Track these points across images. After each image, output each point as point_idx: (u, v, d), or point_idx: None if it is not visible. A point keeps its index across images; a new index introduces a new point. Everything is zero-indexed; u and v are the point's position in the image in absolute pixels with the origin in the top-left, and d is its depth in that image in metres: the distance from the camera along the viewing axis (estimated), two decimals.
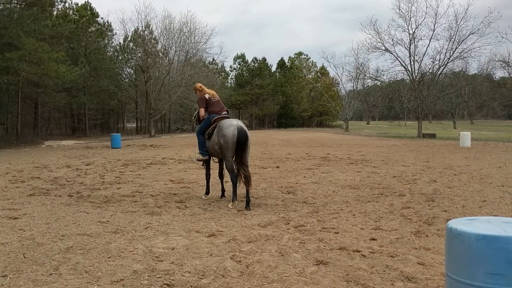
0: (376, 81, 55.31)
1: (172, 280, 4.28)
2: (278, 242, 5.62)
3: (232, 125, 8.03)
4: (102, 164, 15.55)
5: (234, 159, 8.15)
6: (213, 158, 8.86)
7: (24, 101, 36.86)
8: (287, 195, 9.16)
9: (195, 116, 9.28)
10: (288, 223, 6.64)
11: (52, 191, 9.73)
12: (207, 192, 9.03)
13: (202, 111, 8.69)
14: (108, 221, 6.78)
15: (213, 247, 5.36)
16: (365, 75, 55.43)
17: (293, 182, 10.98)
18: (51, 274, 4.45)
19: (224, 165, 8.45)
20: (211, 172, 9.19)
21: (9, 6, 27.37)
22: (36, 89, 35.01)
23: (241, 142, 7.92)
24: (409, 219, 6.96)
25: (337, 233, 6.08)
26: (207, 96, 8.70)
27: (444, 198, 8.75)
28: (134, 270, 4.54)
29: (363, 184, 10.60)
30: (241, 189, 8.22)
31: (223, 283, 4.23)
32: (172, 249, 5.27)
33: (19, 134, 34.60)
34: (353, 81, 61.94)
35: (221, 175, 9.10)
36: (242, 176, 7.98)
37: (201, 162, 9.04)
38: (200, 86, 8.97)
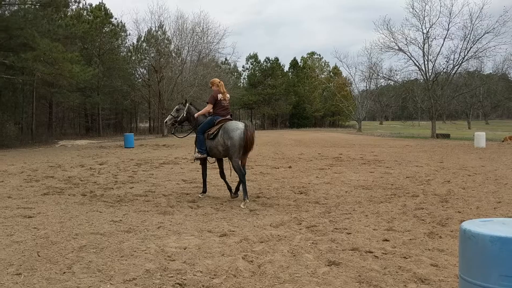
0: (389, 81, 54.89)
1: (184, 279, 4.29)
2: (290, 242, 5.61)
3: (238, 128, 8.32)
4: (115, 164, 15.66)
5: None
6: (209, 158, 8.96)
7: (39, 101, 37.33)
8: (299, 195, 9.14)
9: (170, 119, 9.29)
10: (300, 224, 6.62)
11: (66, 190, 9.83)
12: (204, 191, 9.14)
13: (209, 107, 8.73)
14: (121, 220, 6.83)
15: (225, 247, 5.36)
16: (378, 75, 55.16)
17: (305, 182, 10.95)
18: (64, 273, 4.49)
19: (231, 165, 8.54)
20: (208, 172, 9.38)
21: (23, 7, 27.67)
22: (51, 89, 35.40)
23: (247, 145, 8.34)
24: (423, 220, 6.90)
25: (350, 233, 6.04)
26: (219, 96, 8.71)
27: (458, 199, 8.66)
28: (147, 269, 4.56)
29: (376, 184, 10.54)
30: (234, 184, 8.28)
31: (235, 283, 4.23)
32: (184, 249, 5.29)
33: (34, 133, 35.03)
34: (366, 81, 61.73)
35: (222, 175, 9.16)
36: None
37: (199, 161, 9.11)
38: (220, 82, 8.95)
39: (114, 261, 4.83)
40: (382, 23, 61.03)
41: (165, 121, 9.43)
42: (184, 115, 9.07)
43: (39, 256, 5.02)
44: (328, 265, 4.74)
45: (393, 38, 42.34)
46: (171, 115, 9.25)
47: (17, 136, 30.86)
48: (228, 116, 8.78)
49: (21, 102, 37.38)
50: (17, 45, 27.22)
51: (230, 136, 8.24)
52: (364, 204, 8.12)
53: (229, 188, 9.01)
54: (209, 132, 8.55)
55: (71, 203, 8.33)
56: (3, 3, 26.67)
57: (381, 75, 54.58)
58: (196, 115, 8.90)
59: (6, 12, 28.26)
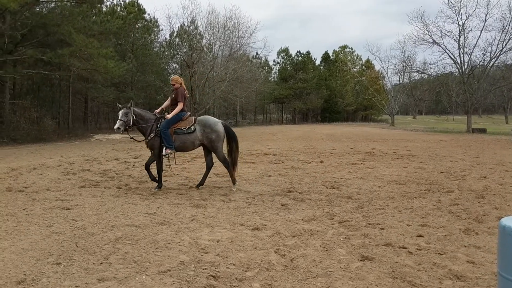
0: (423, 75, 54.02)
1: (218, 272, 4.35)
2: (322, 237, 5.60)
3: (217, 121, 9.32)
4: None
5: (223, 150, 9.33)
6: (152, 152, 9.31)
7: (74, 96, 38.23)
8: (331, 190, 9.10)
9: (122, 125, 8.99)
10: (333, 218, 6.60)
11: (101, 183, 10.06)
12: (160, 186, 9.23)
13: (181, 106, 9.16)
14: (155, 212, 6.95)
15: (257, 241, 5.40)
16: (411, 68, 54.30)
17: (337, 177, 10.89)
18: (101, 263, 4.61)
19: (217, 157, 9.24)
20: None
21: (60, 4, 28.34)
22: (86, 84, 36.19)
23: (231, 133, 9.30)
24: (458, 216, 6.77)
25: (383, 229, 5.99)
26: (186, 93, 9.36)
27: (495, 195, 8.45)
28: (181, 261, 4.64)
29: (409, 179, 10.39)
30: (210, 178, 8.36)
31: (268, 276, 4.26)
32: (217, 242, 5.35)
33: (70, 128, 35.93)
34: (399, 74, 60.82)
35: (148, 166, 9.36)
36: (235, 168, 9.42)
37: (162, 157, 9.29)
38: (182, 79, 9.46)
39: (149, 253, 4.93)
40: (416, 15, 60.05)
41: (116, 127, 8.99)
42: (134, 117, 9.11)
43: (77, 246, 5.17)
44: (361, 260, 4.72)
45: (428, 31, 41.67)
46: (121, 120, 8.99)
47: (54, 130, 31.71)
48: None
49: (58, 97, 38.40)
50: (54, 42, 27.99)
51: (215, 130, 9.09)
52: (398, 200, 8.02)
53: (153, 179, 9.30)
54: (183, 127, 9.05)
55: (107, 195, 8.53)
56: (41, 0, 27.38)
57: (414, 68, 53.74)
58: (170, 115, 9.03)
59: (44, 10, 29.01)
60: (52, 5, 28.95)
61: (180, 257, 4.78)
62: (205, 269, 4.43)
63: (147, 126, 9.11)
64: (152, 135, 9.03)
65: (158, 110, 9.48)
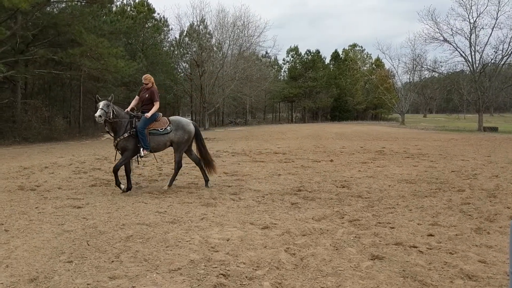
0: (433, 73, 53.71)
1: (228, 270, 4.36)
2: (332, 236, 5.59)
3: (189, 122, 9.41)
4: (159, 156, 15.95)
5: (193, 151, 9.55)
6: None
7: (85, 96, 38.44)
8: (341, 189, 9.08)
9: (103, 114, 8.40)
10: (343, 217, 6.58)
11: (112, 181, 10.10)
12: (130, 187, 8.90)
13: (158, 105, 9.02)
14: (165, 211, 6.99)
15: (267, 239, 5.41)
16: (422, 67, 53.97)
17: (347, 176, 10.86)
18: (112, 261, 4.64)
19: (176, 156, 9.24)
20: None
21: (71, 4, 28.55)
22: (97, 83, 36.40)
23: (199, 134, 9.44)
24: (469, 215, 6.72)
25: (393, 228, 5.97)
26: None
27: (507, 194, 8.38)
28: (191, 260, 4.66)
29: (420, 178, 10.33)
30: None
31: (278, 275, 4.27)
32: (227, 240, 5.37)
33: (81, 127, 36.16)
34: (409, 73, 60.48)
35: (129, 169, 9.07)
36: (212, 163, 9.62)
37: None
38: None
39: (159, 251, 4.96)
40: (427, 13, 59.46)
41: (98, 115, 8.29)
42: (114, 112, 8.66)
43: (88, 245, 5.21)
44: (372, 259, 4.71)
45: (438, 29, 41.39)
46: (103, 109, 8.38)
47: (65, 130, 31.94)
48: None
49: (69, 96, 38.66)
50: (65, 41, 28.19)
51: (187, 130, 9.19)
52: (408, 199, 7.99)
53: (119, 184, 8.84)
54: (159, 128, 8.94)
55: (117, 194, 8.59)
56: (52, 1, 27.59)
57: (425, 66, 53.41)
58: (149, 114, 8.75)
59: (55, 10, 29.25)
60: (63, 5, 29.18)
61: (191, 255, 4.80)
62: (215, 267, 4.45)
63: (121, 124, 8.70)
64: (126, 134, 8.64)
65: (128, 109, 9.02)
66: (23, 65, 28.96)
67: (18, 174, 11.36)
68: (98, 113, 8.32)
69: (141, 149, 8.73)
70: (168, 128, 9.04)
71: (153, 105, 8.91)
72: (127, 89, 42.75)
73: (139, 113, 9.00)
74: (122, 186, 8.73)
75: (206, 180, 9.52)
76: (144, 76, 9.18)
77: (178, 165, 9.29)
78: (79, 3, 28.71)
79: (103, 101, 8.50)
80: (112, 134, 8.87)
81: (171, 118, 9.36)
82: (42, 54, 27.68)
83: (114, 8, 38.40)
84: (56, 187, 9.44)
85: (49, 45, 29.17)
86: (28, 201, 7.90)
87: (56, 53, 27.57)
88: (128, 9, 46.29)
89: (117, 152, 9.02)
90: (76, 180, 10.44)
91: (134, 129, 8.70)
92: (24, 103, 29.79)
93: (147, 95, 9.00)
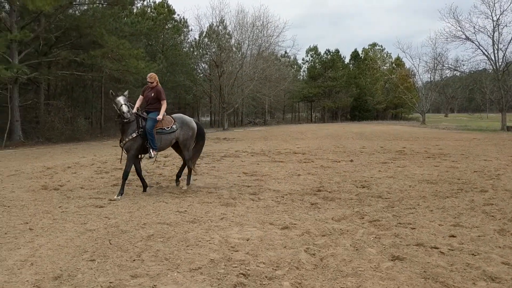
0: (455, 72, 52.77)
1: (248, 270, 4.39)
2: (352, 236, 5.58)
3: (191, 119, 9.43)
4: (179, 156, 16.04)
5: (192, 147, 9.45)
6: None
7: (107, 96, 38.83)
8: (361, 189, 9.03)
9: (129, 111, 8.29)
10: (363, 218, 6.56)
11: (133, 181, 10.24)
12: (146, 186, 8.98)
13: (166, 104, 8.96)
14: (185, 211, 7.05)
15: (287, 239, 5.42)
16: (443, 66, 53.10)
17: (367, 176, 10.79)
18: (134, 260, 4.71)
19: (184, 153, 9.29)
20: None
21: (92, 6, 28.97)
22: (118, 85, 36.82)
23: (202, 131, 9.59)
24: (492, 216, 6.63)
25: (414, 228, 5.92)
26: None
27: None
28: (211, 259, 4.70)
29: (441, 179, 10.21)
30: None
31: (298, 275, 4.27)
32: (247, 240, 5.39)
33: (102, 127, 36.65)
34: (430, 72, 59.57)
35: (140, 171, 9.06)
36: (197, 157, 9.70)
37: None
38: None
39: (180, 250, 5.01)
40: (448, 11, 58.81)
41: (126, 110, 8.16)
42: (135, 110, 8.58)
43: (110, 244, 5.29)
44: (392, 260, 4.68)
45: (460, 27, 40.72)
46: (126, 105, 8.26)
47: (87, 130, 32.42)
48: None
49: (91, 97, 39.22)
50: (87, 43, 28.64)
51: (191, 127, 9.23)
52: (429, 199, 7.90)
53: (146, 186, 9.00)
54: (166, 127, 8.87)
55: (138, 193, 8.69)
56: (74, 3, 28.03)
57: (446, 65, 52.53)
58: (160, 116, 8.70)
59: (77, 12, 29.72)
60: (85, 7, 29.63)
61: (211, 255, 4.84)
62: (235, 267, 4.47)
63: (131, 124, 8.47)
64: (134, 135, 8.44)
65: (134, 110, 8.66)
66: (46, 67, 29.55)
67: (41, 174, 11.57)
68: (125, 108, 8.15)
69: (151, 150, 8.59)
70: (174, 126, 8.98)
71: (159, 104, 8.84)
72: None
73: (144, 113, 8.81)
74: (119, 197, 8.22)
75: (178, 176, 9.60)
76: (149, 75, 9.06)
77: (189, 162, 9.37)
78: (100, 5, 29.12)
79: (122, 97, 8.31)
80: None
81: (174, 116, 9.32)
82: (64, 56, 28.19)
83: (134, 10, 38.78)
84: (78, 186, 9.60)
85: (71, 47, 29.68)
86: (51, 200, 8.05)
87: (78, 54, 28.02)
88: (149, 11, 46.75)
89: (123, 152, 8.82)
90: (98, 179, 10.59)
91: (142, 129, 8.52)
92: (47, 104, 30.37)
93: (152, 94, 8.87)
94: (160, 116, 8.67)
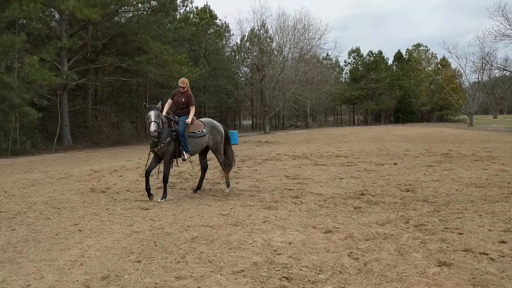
0: (505, 72, 50.99)
1: (291, 273, 4.38)
2: (397, 241, 5.47)
3: (219, 123, 9.56)
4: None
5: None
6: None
7: (151, 101, 39.68)
8: (405, 193, 8.85)
9: (159, 122, 8.23)
10: (408, 222, 6.42)
11: (177, 184, 10.45)
12: (165, 196, 8.63)
13: (194, 110, 9.00)
14: (228, 214, 7.11)
15: (329, 243, 5.38)
16: (492, 66, 51.34)
17: (412, 179, 10.56)
18: (178, 262, 4.79)
19: (218, 157, 9.48)
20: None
21: (137, 13, 29.73)
22: (161, 89, 37.57)
23: (228, 136, 9.65)
24: None
25: (462, 234, 5.75)
26: None
27: None
28: (254, 262, 4.72)
29: (490, 182, 9.86)
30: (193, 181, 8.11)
31: (341, 280, 4.24)
32: (290, 244, 5.39)
33: (147, 131, 37.45)
34: (478, 72, 57.68)
35: (149, 173, 8.76)
36: (230, 164, 9.67)
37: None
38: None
39: (223, 253, 5.06)
40: (497, 9, 56.77)
41: (153, 130, 8.03)
42: (163, 120, 8.49)
43: (155, 245, 5.41)
44: (439, 266, 4.57)
45: (510, 25, 39.20)
46: (156, 122, 8.14)
47: (132, 134, 33.21)
48: None
49: (136, 102, 40.15)
50: (132, 49, 29.43)
51: (220, 131, 9.35)
52: (477, 203, 7.65)
53: (149, 189, 8.67)
54: (196, 131, 8.87)
55: (182, 196, 8.85)
56: (119, 11, 28.86)
57: (495, 65, 50.78)
58: (189, 120, 8.71)
59: (122, 19, 30.58)
60: (130, 14, 30.43)
61: (253, 258, 4.87)
62: (278, 270, 4.48)
63: (165, 130, 8.49)
64: (168, 139, 8.46)
65: (164, 113, 8.68)
66: (94, 73, 30.55)
67: (89, 177, 11.96)
68: (153, 128, 8.03)
69: (184, 153, 8.63)
70: (204, 130, 9.04)
71: (189, 109, 8.90)
72: None
73: (175, 116, 8.86)
74: (162, 200, 8.42)
75: (198, 188, 9.47)
76: (181, 80, 9.05)
77: (225, 165, 9.53)
78: (145, 12, 29.84)
79: (153, 112, 8.17)
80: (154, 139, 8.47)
81: (203, 120, 9.38)
82: (111, 62, 29.07)
83: (178, 16, 39.44)
84: (124, 189, 9.87)
85: (117, 54, 30.57)
86: (99, 202, 8.31)
87: (124, 61, 28.83)
88: (191, 16, 47.42)
89: (152, 156, 8.78)
90: (143, 182, 10.78)
91: (175, 133, 8.58)
92: (94, 109, 31.39)
93: (183, 99, 8.89)
94: (189, 120, 8.72)
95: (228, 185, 9.50)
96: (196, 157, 9.82)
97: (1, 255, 5.17)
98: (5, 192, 9.81)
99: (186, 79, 9.14)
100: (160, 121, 8.28)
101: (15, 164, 16.69)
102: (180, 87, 8.98)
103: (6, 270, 4.66)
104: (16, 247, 5.46)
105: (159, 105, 8.47)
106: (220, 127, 9.47)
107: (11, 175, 12.93)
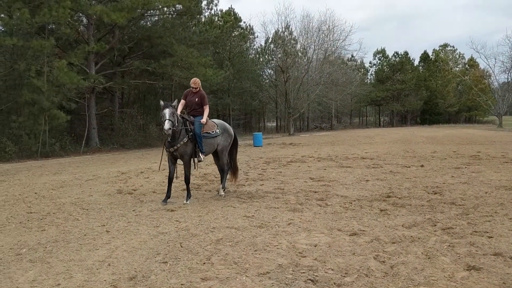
0: None
1: (316, 276, 4.37)
2: (424, 244, 5.40)
3: (230, 126, 9.58)
4: (245, 162, 16.29)
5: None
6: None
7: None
8: (433, 195, 8.71)
9: (174, 120, 8.13)
10: (435, 225, 6.32)
11: (202, 186, 10.52)
12: (168, 197, 8.59)
13: (208, 109, 8.94)
14: (253, 215, 7.13)
15: (355, 246, 5.34)
16: None
17: (439, 181, 10.39)
18: (204, 263, 4.83)
19: (221, 159, 9.34)
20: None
21: (162, 17, 30.10)
22: None
23: (236, 138, 9.63)
24: None
25: (491, 237, 5.63)
26: None
27: None
28: (279, 264, 4.72)
29: None
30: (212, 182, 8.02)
31: (367, 283, 4.20)
32: (315, 246, 5.37)
33: (161, 131, 37.85)
34: (507, 72, 56.50)
35: (172, 177, 8.81)
36: (237, 172, 9.83)
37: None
38: None
39: (248, 255, 5.07)
40: None
41: (167, 128, 7.87)
42: (178, 119, 8.37)
43: (181, 246, 5.46)
44: (468, 270, 4.49)
45: None
46: (170, 120, 7.98)
47: (158, 136, 33.52)
48: None
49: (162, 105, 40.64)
50: (157, 53, 29.80)
51: (230, 133, 9.37)
52: (508, 206, 7.48)
53: (169, 196, 8.62)
54: (210, 131, 8.84)
55: (207, 198, 8.91)
56: (145, 15, 29.26)
57: None
58: (204, 120, 8.67)
59: (148, 23, 31.01)
60: (155, 18, 30.83)
61: (279, 260, 4.86)
62: (303, 273, 4.47)
63: (180, 130, 8.41)
64: (185, 139, 8.39)
65: (179, 112, 8.55)
66: (120, 77, 31.05)
67: (116, 179, 12.15)
68: (167, 126, 7.88)
69: (200, 153, 8.65)
70: (217, 130, 9.03)
71: (202, 109, 8.88)
72: (215, 96, 44.10)
73: (191, 116, 8.81)
74: (188, 201, 8.48)
75: (222, 188, 9.39)
76: (192, 80, 8.96)
77: (227, 168, 9.49)
78: (170, 16, 30.18)
79: (168, 110, 8.05)
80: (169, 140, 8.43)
81: (215, 121, 9.36)
82: (137, 66, 29.48)
83: (202, 19, 39.75)
84: (151, 191, 10.00)
85: (143, 57, 31.00)
86: (126, 204, 8.44)
87: (150, 64, 29.23)
88: (216, 19, 47.72)
89: (167, 157, 8.78)
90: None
91: (192, 133, 8.52)
92: (121, 112, 31.88)
93: (196, 99, 8.85)
94: (203, 120, 8.68)
95: (224, 189, 9.36)
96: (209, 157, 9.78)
97: (32, 255, 5.30)
98: (35, 193, 10.05)
99: (198, 79, 9.07)
100: (175, 119, 8.15)
101: (45, 166, 17.07)
102: (192, 87, 8.93)
103: (37, 269, 4.78)
104: (46, 247, 5.59)
105: (175, 103, 8.41)
106: (231, 130, 9.52)
107: (41, 177, 13.24)
